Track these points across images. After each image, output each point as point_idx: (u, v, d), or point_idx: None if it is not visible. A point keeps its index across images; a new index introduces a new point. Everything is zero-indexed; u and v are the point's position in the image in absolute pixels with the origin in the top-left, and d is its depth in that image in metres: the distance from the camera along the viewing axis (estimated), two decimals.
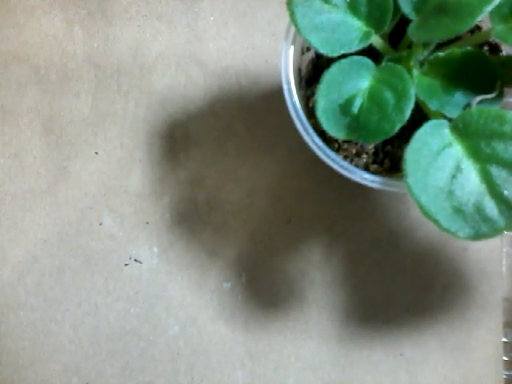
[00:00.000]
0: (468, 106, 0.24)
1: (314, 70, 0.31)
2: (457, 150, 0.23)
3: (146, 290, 0.36)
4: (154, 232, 0.37)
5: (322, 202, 0.36)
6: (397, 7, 0.25)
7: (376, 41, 0.26)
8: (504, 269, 0.36)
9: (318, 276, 0.36)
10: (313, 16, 0.24)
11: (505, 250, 0.36)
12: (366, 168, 0.29)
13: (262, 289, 0.36)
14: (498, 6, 0.22)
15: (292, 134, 0.35)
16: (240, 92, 0.38)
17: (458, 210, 0.22)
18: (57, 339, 0.36)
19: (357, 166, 0.29)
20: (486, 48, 0.29)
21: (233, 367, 0.36)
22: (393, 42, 0.27)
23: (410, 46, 0.26)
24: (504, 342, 0.35)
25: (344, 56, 0.25)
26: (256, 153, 0.37)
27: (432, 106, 0.24)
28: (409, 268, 0.36)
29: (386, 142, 0.30)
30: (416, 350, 0.35)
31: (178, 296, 0.36)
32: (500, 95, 0.24)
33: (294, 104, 0.28)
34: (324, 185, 0.37)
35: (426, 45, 0.25)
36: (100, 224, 0.37)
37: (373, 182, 0.27)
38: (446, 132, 0.23)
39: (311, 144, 0.27)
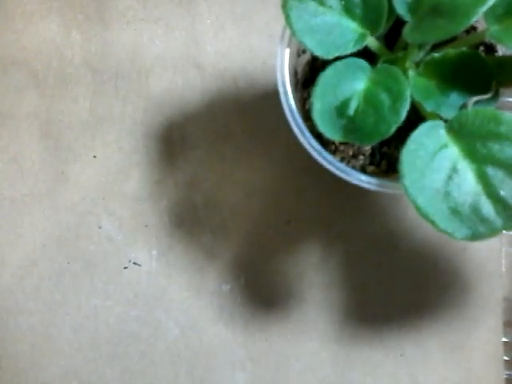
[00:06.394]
0: (464, 106, 0.24)
1: (310, 72, 0.31)
2: (453, 150, 0.23)
3: (145, 293, 0.37)
4: (153, 235, 0.37)
5: (320, 203, 0.36)
6: (392, 9, 0.25)
7: (371, 42, 0.26)
8: (503, 268, 0.36)
9: (317, 277, 0.36)
10: (308, 18, 0.24)
11: (504, 249, 0.36)
12: (363, 169, 0.30)
13: (262, 290, 0.36)
14: (493, 7, 0.22)
15: (289, 136, 0.35)
16: (237, 94, 0.38)
17: (455, 211, 0.22)
18: (56, 343, 0.36)
19: (354, 167, 0.29)
20: (481, 48, 0.29)
21: (233, 369, 0.36)
22: (388, 43, 0.27)
23: (405, 47, 0.26)
24: (504, 341, 0.35)
25: (339, 58, 0.25)
26: (253, 154, 0.37)
27: (428, 106, 0.24)
28: (408, 268, 0.36)
29: (382, 144, 0.30)
30: (416, 351, 0.35)
31: (177, 299, 0.36)
32: (496, 95, 0.24)
33: (289, 107, 0.28)
34: (322, 186, 0.37)
35: (421, 46, 0.25)
36: (99, 227, 0.37)
37: (369, 183, 0.27)
38: (442, 133, 0.23)
39: (308, 146, 0.27)
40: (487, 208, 0.22)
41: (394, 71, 0.24)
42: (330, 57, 0.25)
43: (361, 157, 0.30)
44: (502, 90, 0.25)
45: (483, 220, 0.22)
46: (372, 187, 0.27)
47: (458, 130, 0.23)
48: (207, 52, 0.38)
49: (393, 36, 0.27)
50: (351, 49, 0.25)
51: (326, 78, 0.25)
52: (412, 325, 0.36)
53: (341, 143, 0.30)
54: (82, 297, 0.37)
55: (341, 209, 0.36)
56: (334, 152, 0.30)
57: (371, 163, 0.30)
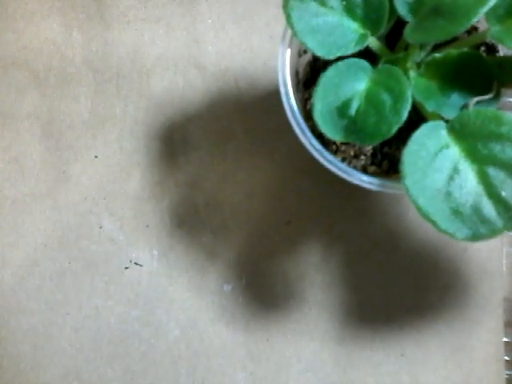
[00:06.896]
0: (465, 107, 0.24)
1: (311, 72, 0.31)
2: (454, 151, 0.23)
3: (146, 293, 0.37)
4: (154, 235, 0.37)
5: (321, 204, 0.36)
6: (393, 9, 0.25)
7: (372, 43, 0.26)
8: (504, 268, 0.36)
9: (317, 277, 0.36)
10: (309, 19, 0.24)
11: (505, 249, 0.36)
12: (364, 170, 0.30)
13: (263, 290, 0.36)
14: (494, 7, 0.22)
15: (291, 136, 0.35)
16: (238, 94, 0.38)
17: (456, 212, 0.22)
18: (58, 343, 0.36)
19: (355, 167, 0.29)
20: (482, 49, 0.29)
21: (234, 369, 0.36)
22: (389, 43, 0.27)
23: (406, 47, 0.26)
24: (505, 341, 0.35)
25: (341, 58, 0.25)
26: (255, 155, 0.37)
27: (429, 107, 0.24)
28: (409, 268, 0.36)
29: (383, 144, 0.30)
30: (417, 351, 0.35)
31: (178, 299, 0.36)
32: (497, 96, 0.24)
33: (291, 107, 0.28)
34: (323, 186, 0.37)
35: (422, 46, 0.25)
36: (100, 227, 0.37)
37: (371, 183, 0.27)
38: (443, 133, 0.23)
39: (309, 147, 0.27)
40: (488, 208, 0.22)
41: (395, 71, 0.24)
42: (331, 57, 0.25)
43: (362, 157, 0.30)
44: (503, 91, 0.25)
45: (484, 220, 0.22)
46: (373, 187, 0.27)
47: (459, 131, 0.23)
48: (208, 52, 0.38)
49: (394, 36, 0.27)
50: (352, 49, 0.25)
51: (327, 78, 0.25)
52: (413, 325, 0.36)
53: (342, 143, 0.30)
54: (83, 297, 0.37)
55: (341, 209, 0.36)
56: (335, 152, 0.30)
57: (372, 163, 0.30)
